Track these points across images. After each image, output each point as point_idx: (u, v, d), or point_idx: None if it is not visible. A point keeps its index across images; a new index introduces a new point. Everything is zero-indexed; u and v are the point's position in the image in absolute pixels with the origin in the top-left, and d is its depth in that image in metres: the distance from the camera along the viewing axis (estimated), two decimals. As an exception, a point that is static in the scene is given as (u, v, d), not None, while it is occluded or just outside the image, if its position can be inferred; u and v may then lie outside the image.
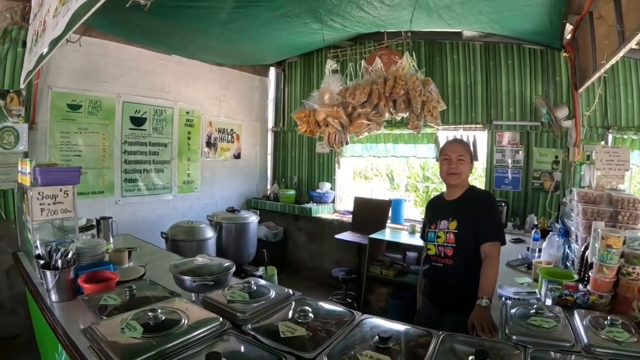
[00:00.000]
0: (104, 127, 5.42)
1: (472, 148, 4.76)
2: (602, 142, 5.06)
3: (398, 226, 6.37)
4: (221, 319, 1.97)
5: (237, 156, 7.38)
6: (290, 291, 2.43)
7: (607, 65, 3.27)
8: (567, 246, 3.42)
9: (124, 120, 5.64)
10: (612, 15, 3.00)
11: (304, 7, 4.41)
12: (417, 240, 5.47)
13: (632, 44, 2.77)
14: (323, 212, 7.09)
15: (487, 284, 2.47)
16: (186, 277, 2.43)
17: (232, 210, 5.79)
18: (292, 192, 7.41)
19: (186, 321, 1.91)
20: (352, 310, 2.18)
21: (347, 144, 4.16)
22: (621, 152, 3.46)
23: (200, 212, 6.30)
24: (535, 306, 2.21)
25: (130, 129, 5.71)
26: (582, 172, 4.54)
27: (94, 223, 3.87)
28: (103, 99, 5.39)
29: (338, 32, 5.55)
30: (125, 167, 5.69)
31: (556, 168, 5.45)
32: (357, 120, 3.83)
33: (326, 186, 7.27)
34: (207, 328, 1.87)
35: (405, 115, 3.92)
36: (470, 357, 1.63)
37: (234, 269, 2.63)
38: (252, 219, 5.73)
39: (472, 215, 2.68)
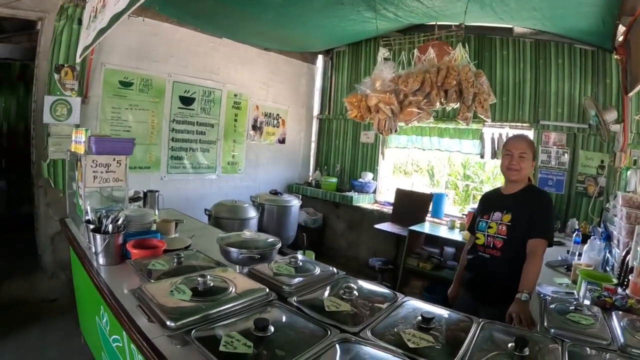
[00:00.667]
0: (153, 104, 5.59)
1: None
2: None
3: (437, 220, 6.35)
4: (267, 289, 2.03)
5: (282, 141, 7.48)
6: (335, 270, 2.49)
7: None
8: (607, 250, 3.36)
9: (173, 100, 5.79)
10: (665, 17, 2.92)
11: None
12: (456, 235, 5.47)
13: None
14: (364, 201, 7.11)
15: (529, 278, 2.47)
16: (233, 249, 2.50)
17: (275, 192, 5.89)
18: (334, 180, 7.46)
19: (233, 289, 1.97)
20: (395, 292, 2.22)
21: (396, 131, 4.19)
22: (669, 159, 3.40)
23: (243, 194, 6.42)
24: (574, 303, 2.20)
25: (179, 108, 5.86)
26: (627, 177, 4.44)
27: (141, 195, 4.01)
28: (154, 78, 5.55)
29: (390, 21, 5.53)
30: (172, 145, 5.85)
31: (601, 173, 5.32)
32: (407, 108, 3.86)
33: (368, 176, 7.28)
34: (254, 297, 1.93)
35: (456, 106, 3.91)
36: (509, 345, 1.65)
37: (279, 244, 2.69)
38: (294, 202, 5.81)
39: (527, 211, 2.69)
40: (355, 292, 2.08)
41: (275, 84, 7.23)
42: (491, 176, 9.91)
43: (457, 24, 4.45)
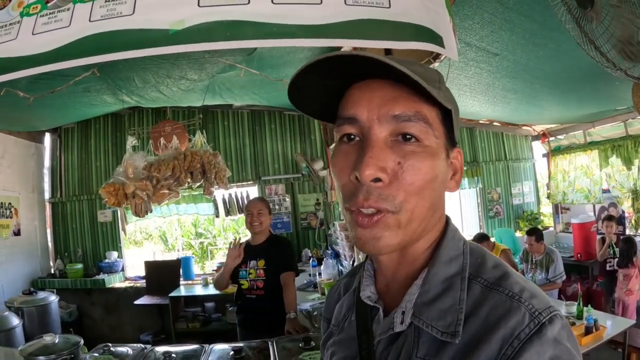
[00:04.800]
0: None
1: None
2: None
3: (191, 282, 6.84)
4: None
5: (17, 233, 6.75)
6: (142, 345, 2.86)
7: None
8: (339, 265, 4.57)
9: None
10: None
11: (109, 85, 4.67)
12: (211, 291, 6.10)
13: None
14: (115, 281, 7.04)
15: (290, 302, 3.30)
16: (42, 357, 2.58)
17: (29, 292, 5.53)
18: (80, 265, 7.10)
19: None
20: (202, 344, 2.77)
21: (151, 211, 4.64)
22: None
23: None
24: None
25: None
26: (339, 209, 5.89)
27: None
28: None
29: (128, 104, 5.82)
30: None
31: (318, 208, 6.76)
32: (160, 191, 4.35)
33: (114, 255, 7.20)
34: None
35: (200, 183, 4.63)
36: (300, 344, 2.44)
37: (82, 341, 2.88)
38: (52, 298, 5.56)
39: (275, 254, 3.49)
40: (173, 355, 2.55)
41: (3, 169, 6.54)
42: (221, 229, 10.82)
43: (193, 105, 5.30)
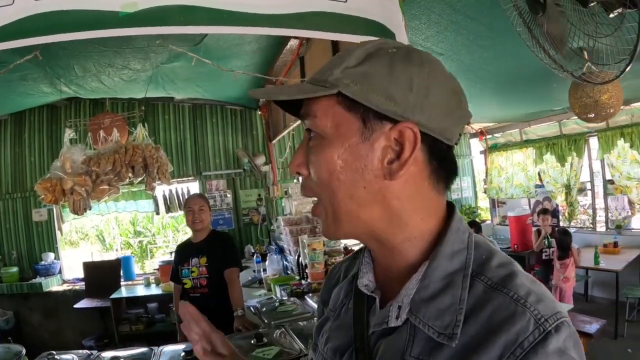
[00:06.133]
0: None
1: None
2: (295, 180, 6.53)
3: (131, 282, 6.63)
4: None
5: None
6: (88, 352, 2.73)
7: (295, 125, 4.59)
8: (284, 260, 4.59)
9: None
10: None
11: (47, 73, 4.46)
12: (154, 290, 5.98)
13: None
14: (53, 284, 6.65)
15: (237, 298, 3.25)
16: None
17: None
18: (15, 269, 6.63)
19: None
20: (151, 347, 2.67)
21: (90, 209, 4.44)
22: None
23: None
24: (277, 301, 3.18)
25: None
26: (283, 204, 5.89)
27: None
28: None
29: (66, 94, 5.61)
30: None
31: (260, 204, 6.75)
32: (99, 187, 4.17)
33: (50, 256, 6.81)
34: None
35: (141, 178, 4.49)
36: (252, 341, 2.40)
37: (24, 350, 2.76)
38: None
39: (217, 251, 3.42)
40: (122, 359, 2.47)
41: None
42: (160, 227, 10.57)
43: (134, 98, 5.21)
